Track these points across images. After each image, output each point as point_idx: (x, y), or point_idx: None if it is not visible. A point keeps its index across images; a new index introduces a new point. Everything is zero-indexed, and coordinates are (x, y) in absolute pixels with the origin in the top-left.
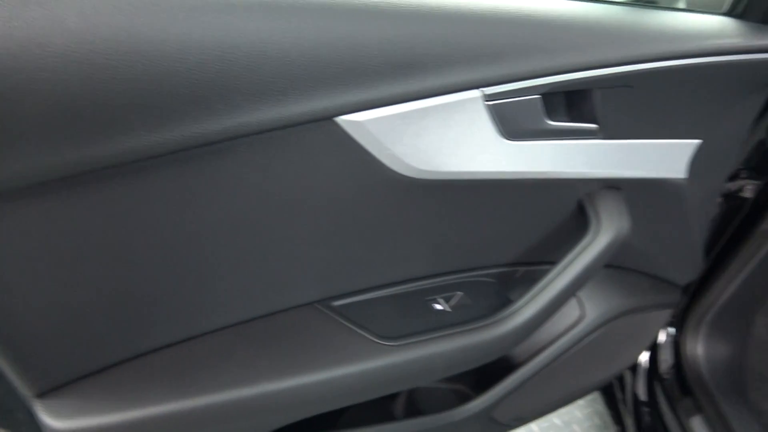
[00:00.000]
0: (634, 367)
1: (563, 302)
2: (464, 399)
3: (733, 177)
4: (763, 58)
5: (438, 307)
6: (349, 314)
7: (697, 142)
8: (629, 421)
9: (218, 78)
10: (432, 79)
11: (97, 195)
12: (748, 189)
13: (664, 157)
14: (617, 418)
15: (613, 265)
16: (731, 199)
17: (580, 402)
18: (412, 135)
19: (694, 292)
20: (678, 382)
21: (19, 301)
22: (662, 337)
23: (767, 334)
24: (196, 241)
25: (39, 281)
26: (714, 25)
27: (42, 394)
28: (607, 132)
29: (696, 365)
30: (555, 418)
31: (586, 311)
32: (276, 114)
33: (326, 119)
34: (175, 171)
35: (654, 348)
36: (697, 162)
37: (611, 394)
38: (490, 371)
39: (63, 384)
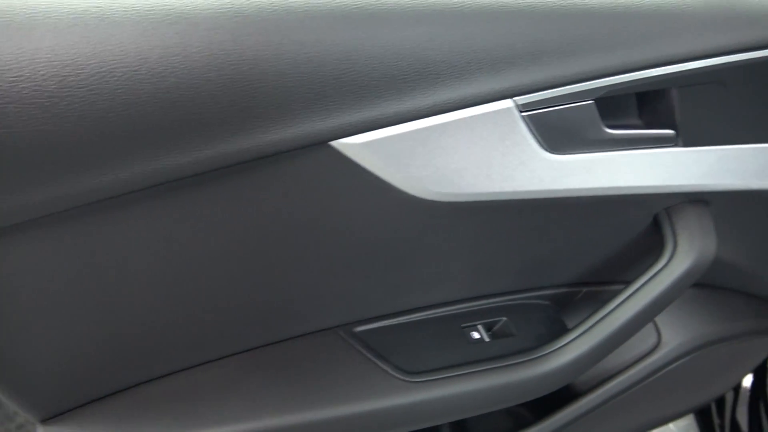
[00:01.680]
0: (737, 389)
1: (627, 337)
2: (521, 422)
3: None
4: None
5: (475, 335)
6: (372, 342)
7: None
8: None
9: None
10: (447, 92)
11: (97, 224)
12: None
13: (764, 164)
14: None
15: (703, 285)
16: None
17: (671, 427)
18: (428, 155)
19: None
20: None
21: (23, 331)
22: None
23: None
24: (203, 265)
25: (42, 310)
26: None
27: (45, 420)
28: (689, 138)
29: None
30: None
31: (663, 338)
32: (257, 141)
33: (320, 143)
34: (167, 201)
35: (762, 368)
36: None
37: (708, 419)
38: (556, 394)
39: (64, 411)
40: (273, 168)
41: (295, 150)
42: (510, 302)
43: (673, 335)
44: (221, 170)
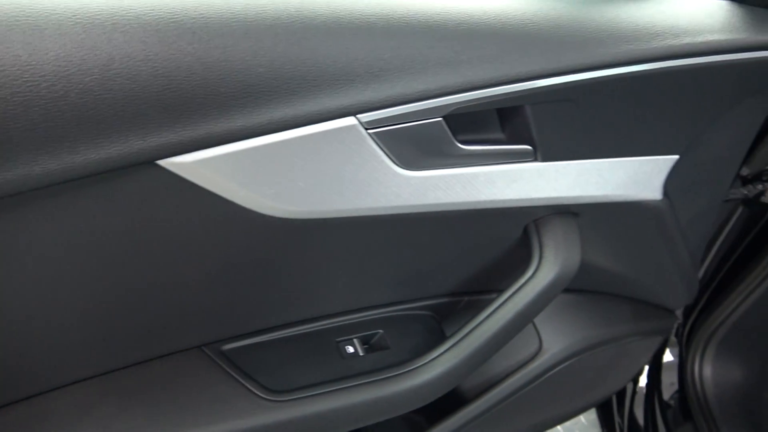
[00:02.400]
0: (635, 385)
1: (499, 346)
2: (416, 429)
3: (753, 180)
4: (760, 57)
5: (350, 350)
6: (240, 360)
7: (673, 158)
8: None
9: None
10: (283, 109)
11: None
12: None
13: (632, 177)
14: None
15: (583, 291)
16: (750, 204)
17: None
18: (273, 172)
19: (703, 308)
20: (681, 407)
21: None
22: (667, 357)
23: None
24: (53, 285)
25: None
26: (699, 16)
27: None
28: (546, 153)
29: (700, 389)
30: None
31: (544, 344)
32: (66, 162)
33: (148, 163)
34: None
35: (656, 369)
36: (681, 178)
37: (609, 414)
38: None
39: None
40: (107, 187)
41: (120, 169)
42: (389, 314)
43: (554, 341)
44: (48, 189)
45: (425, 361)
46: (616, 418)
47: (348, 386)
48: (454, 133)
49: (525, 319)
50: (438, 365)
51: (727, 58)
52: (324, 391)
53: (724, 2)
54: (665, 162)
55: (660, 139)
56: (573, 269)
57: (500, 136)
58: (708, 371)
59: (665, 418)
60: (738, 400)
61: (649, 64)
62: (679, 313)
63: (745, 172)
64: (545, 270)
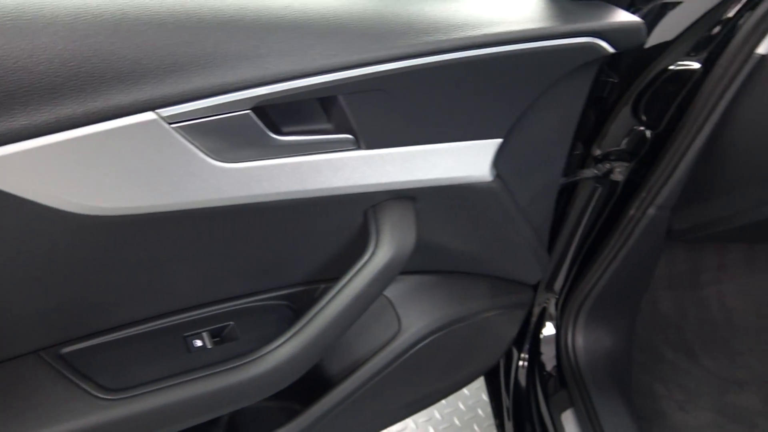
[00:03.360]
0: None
1: (342, 329)
2: (291, 414)
3: (603, 159)
4: (562, 45)
5: (198, 344)
6: (78, 362)
7: (496, 141)
8: (507, 416)
9: None
10: (72, 106)
11: None
12: (618, 172)
13: (460, 161)
14: (497, 411)
15: (440, 271)
16: (602, 182)
17: (465, 392)
18: (75, 170)
19: (572, 282)
20: (558, 375)
21: None
22: (547, 330)
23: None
24: None
25: None
26: (506, 9)
27: None
28: (369, 141)
29: (573, 358)
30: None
31: (403, 325)
32: None
33: None
34: None
35: (536, 341)
36: (512, 160)
37: (497, 388)
38: (317, 384)
39: None
40: None
41: None
42: (243, 306)
43: (413, 321)
44: None
45: (269, 349)
46: (503, 390)
47: (190, 379)
48: (272, 124)
49: (366, 300)
50: (282, 352)
51: (531, 46)
52: (164, 386)
53: None
54: (490, 145)
55: (481, 123)
56: (408, 250)
57: (326, 126)
58: (580, 341)
59: (544, 387)
60: (608, 366)
61: (451, 54)
62: (558, 287)
63: (596, 152)
64: (381, 252)
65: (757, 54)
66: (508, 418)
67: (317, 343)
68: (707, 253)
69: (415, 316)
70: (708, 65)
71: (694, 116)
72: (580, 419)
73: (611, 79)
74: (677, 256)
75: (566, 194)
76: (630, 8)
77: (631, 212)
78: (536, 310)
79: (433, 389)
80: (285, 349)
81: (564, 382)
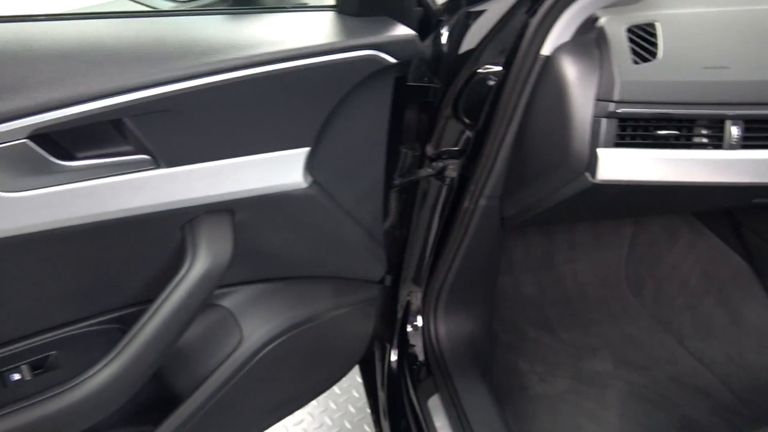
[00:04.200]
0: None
1: (164, 349)
2: None
3: (436, 158)
4: (347, 58)
5: (15, 377)
6: None
7: (304, 150)
8: (382, 409)
9: None
10: None
11: None
12: (451, 169)
13: (271, 171)
14: (374, 406)
15: (280, 278)
16: (439, 179)
17: (336, 390)
18: None
19: (429, 274)
20: (426, 364)
21: None
22: (414, 322)
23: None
24: None
25: None
26: (295, 28)
27: None
28: (168, 160)
29: (437, 346)
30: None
31: (245, 333)
32: None
33: None
34: None
35: (403, 332)
36: (327, 166)
37: (372, 381)
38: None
39: None
40: None
41: None
42: (69, 333)
43: (254, 329)
44: None
45: (90, 374)
46: (378, 384)
47: (5, 413)
48: (60, 150)
49: (187, 313)
50: (103, 375)
51: (317, 61)
52: None
53: (332, 14)
54: (299, 154)
55: (286, 134)
56: (224, 260)
57: (123, 148)
58: (442, 329)
59: (414, 377)
60: (469, 351)
61: (234, 73)
62: (421, 281)
63: (430, 152)
64: (198, 265)
65: (542, 55)
66: (383, 412)
67: (140, 362)
68: (559, 235)
69: (257, 323)
70: (507, 67)
71: (501, 113)
72: (444, 403)
73: (434, 84)
74: (534, 240)
75: (411, 193)
76: (438, 20)
77: (466, 205)
78: (402, 304)
79: (295, 392)
80: (106, 373)
81: (430, 370)
